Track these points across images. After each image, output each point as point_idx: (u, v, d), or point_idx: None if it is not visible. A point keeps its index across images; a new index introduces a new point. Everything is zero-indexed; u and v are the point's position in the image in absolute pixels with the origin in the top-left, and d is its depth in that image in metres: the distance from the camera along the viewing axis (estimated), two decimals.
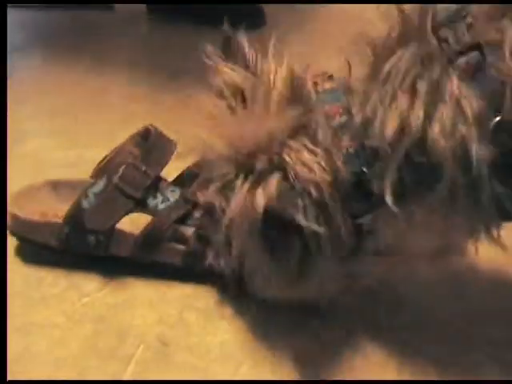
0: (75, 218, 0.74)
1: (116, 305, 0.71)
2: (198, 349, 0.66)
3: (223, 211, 0.60)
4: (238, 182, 0.59)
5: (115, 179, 0.73)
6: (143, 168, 0.75)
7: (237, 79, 0.64)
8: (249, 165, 0.58)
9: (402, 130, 0.53)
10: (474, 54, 0.52)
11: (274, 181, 0.56)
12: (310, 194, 0.56)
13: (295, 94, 0.61)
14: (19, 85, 1.28)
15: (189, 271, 0.74)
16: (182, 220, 0.74)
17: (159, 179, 0.76)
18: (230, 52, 0.67)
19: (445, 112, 0.52)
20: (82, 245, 0.74)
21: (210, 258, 0.67)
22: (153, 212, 0.74)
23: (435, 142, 0.51)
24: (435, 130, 0.51)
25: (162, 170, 0.76)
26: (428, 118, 0.52)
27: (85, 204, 0.74)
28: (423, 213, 0.56)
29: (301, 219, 0.55)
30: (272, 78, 0.62)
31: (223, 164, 0.60)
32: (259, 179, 0.57)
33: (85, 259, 0.76)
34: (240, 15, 1.71)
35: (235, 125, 0.62)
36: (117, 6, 1.76)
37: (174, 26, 1.63)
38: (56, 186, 0.81)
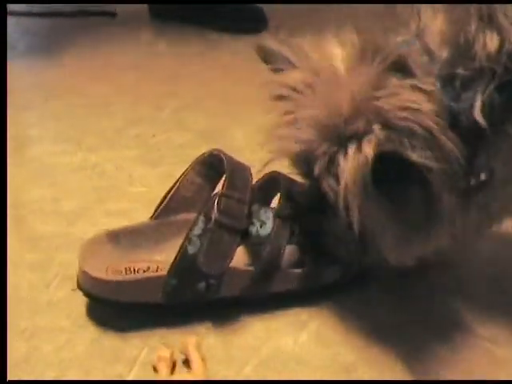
0: (183, 266, 0.68)
1: (120, 308, 0.72)
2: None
3: (332, 188, 0.61)
4: (341, 151, 0.60)
5: (215, 214, 0.68)
6: (236, 196, 0.70)
7: (295, 74, 0.65)
8: (347, 132, 0.60)
9: (501, 43, 0.58)
10: None
11: (376, 129, 0.58)
12: (415, 133, 0.58)
13: (364, 53, 0.62)
14: (23, 91, 1.29)
15: (303, 293, 0.72)
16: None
17: (250, 204, 0.71)
18: (267, 57, 0.69)
19: None
20: (190, 294, 0.69)
21: (330, 249, 0.68)
22: (259, 240, 0.70)
23: None
24: None
25: (248, 194, 0.71)
26: None
27: (190, 250, 0.67)
28: None
29: (412, 155, 0.56)
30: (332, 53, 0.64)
31: (318, 143, 0.61)
32: (362, 138, 0.59)
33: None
34: (243, 19, 1.73)
35: (316, 103, 0.63)
36: (118, 11, 1.76)
37: (177, 31, 1.64)
38: (116, 236, 0.75)
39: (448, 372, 0.64)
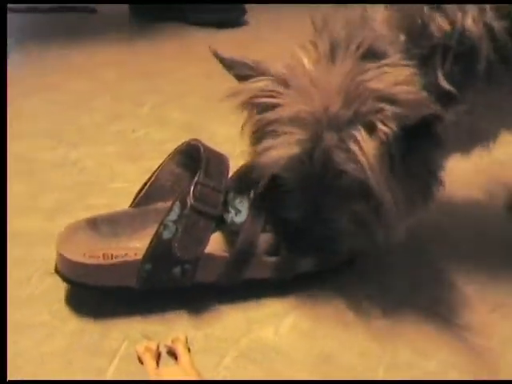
0: (158, 252, 0.68)
1: (100, 302, 0.72)
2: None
3: (360, 171, 0.62)
4: (349, 137, 0.62)
5: (190, 201, 0.69)
6: (211, 184, 0.70)
7: (263, 81, 0.67)
8: (345, 117, 0.62)
9: (452, 25, 0.64)
10: None
11: (387, 108, 0.61)
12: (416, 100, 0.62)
13: (333, 51, 0.65)
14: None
15: (279, 281, 0.73)
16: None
17: (225, 192, 0.72)
18: (230, 64, 0.70)
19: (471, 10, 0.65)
20: (165, 280, 0.69)
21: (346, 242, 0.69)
22: (234, 227, 0.71)
23: (471, 30, 0.64)
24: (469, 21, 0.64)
25: (224, 183, 0.72)
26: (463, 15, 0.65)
27: (165, 235, 0.68)
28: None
29: (440, 112, 0.60)
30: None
31: (318, 137, 0.63)
32: (366, 119, 0.61)
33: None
34: (221, 10, 1.73)
35: (296, 100, 0.64)
36: (98, 8, 1.76)
37: (156, 28, 1.64)
38: (95, 223, 0.75)
39: (429, 363, 0.65)
